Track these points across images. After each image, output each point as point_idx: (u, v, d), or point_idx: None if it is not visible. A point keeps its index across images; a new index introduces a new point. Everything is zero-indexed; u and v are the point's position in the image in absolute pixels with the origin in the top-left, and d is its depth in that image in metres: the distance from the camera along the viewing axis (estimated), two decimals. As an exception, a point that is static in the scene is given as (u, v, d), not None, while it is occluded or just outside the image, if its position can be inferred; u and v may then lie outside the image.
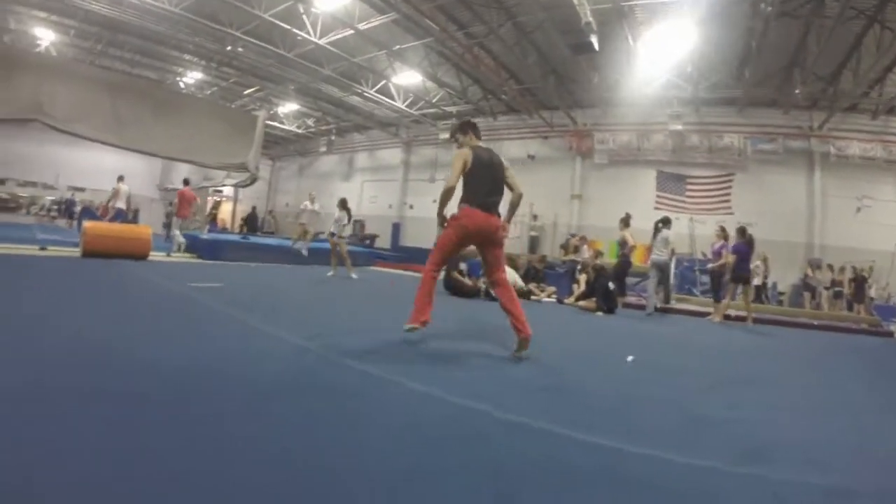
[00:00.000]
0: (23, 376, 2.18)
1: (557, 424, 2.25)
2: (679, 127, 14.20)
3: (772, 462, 2.03)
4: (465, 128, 3.97)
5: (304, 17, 12.26)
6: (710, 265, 9.40)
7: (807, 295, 12.26)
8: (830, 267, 12.48)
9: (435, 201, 4.01)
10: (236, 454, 1.65)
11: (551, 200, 16.61)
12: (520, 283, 8.89)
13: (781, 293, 13.02)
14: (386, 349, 3.57)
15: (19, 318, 3.43)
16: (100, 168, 19.54)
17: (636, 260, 13.00)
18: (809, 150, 13.57)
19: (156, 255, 9.47)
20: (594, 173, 16.57)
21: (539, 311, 5.76)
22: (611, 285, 8.14)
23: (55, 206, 21.50)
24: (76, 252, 8.53)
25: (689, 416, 2.66)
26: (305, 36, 12.64)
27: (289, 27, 12.31)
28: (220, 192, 25.30)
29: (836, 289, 12.16)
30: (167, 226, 15.68)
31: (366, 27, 12.14)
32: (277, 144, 27.36)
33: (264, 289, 6.99)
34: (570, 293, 9.74)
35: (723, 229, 9.38)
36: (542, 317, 5.25)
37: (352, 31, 12.35)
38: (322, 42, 12.92)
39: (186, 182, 11.65)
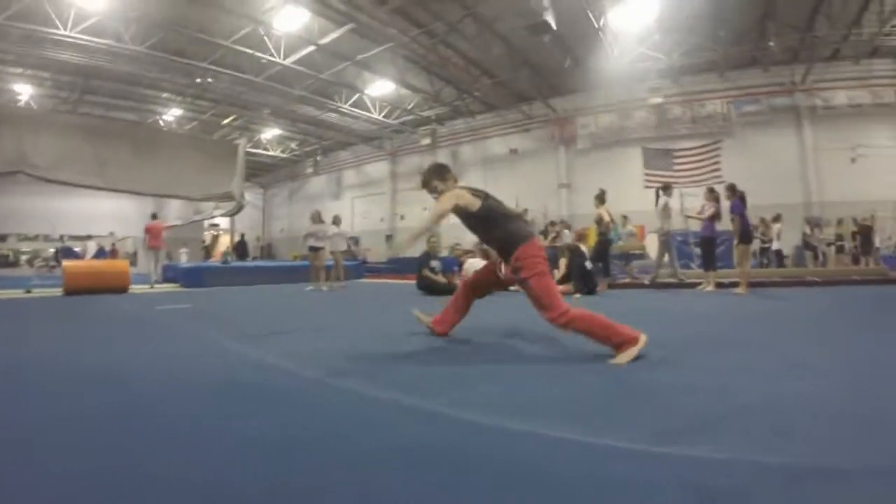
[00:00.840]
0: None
1: (402, 392, 2.10)
2: (659, 100, 13.99)
3: (715, 437, 1.57)
4: (442, 171, 3.40)
5: (266, 39, 12.26)
6: (692, 215, 9.00)
7: (808, 254, 11.92)
8: (837, 222, 12.16)
9: (425, 209, 3.72)
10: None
11: (538, 193, 16.34)
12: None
13: (784, 256, 12.64)
14: (313, 349, 3.35)
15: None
16: (95, 215, 19.67)
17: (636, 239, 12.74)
18: (795, 106, 13.24)
19: (138, 288, 9.53)
20: (579, 160, 16.33)
21: (512, 300, 5.52)
22: (588, 265, 7.84)
23: (55, 258, 21.74)
24: (59, 292, 8.64)
25: (623, 388, 2.26)
26: (270, 58, 12.68)
27: (252, 51, 12.35)
28: (217, 225, 25.35)
29: (839, 243, 11.78)
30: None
31: (327, 41, 12.09)
32: (267, 172, 27.51)
33: (230, 306, 7.00)
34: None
35: (711, 190, 8.68)
36: (512, 306, 4.99)
37: (315, 48, 12.34)
38: (288, 62, 12.94)
39: (154, 216, 11.69)
